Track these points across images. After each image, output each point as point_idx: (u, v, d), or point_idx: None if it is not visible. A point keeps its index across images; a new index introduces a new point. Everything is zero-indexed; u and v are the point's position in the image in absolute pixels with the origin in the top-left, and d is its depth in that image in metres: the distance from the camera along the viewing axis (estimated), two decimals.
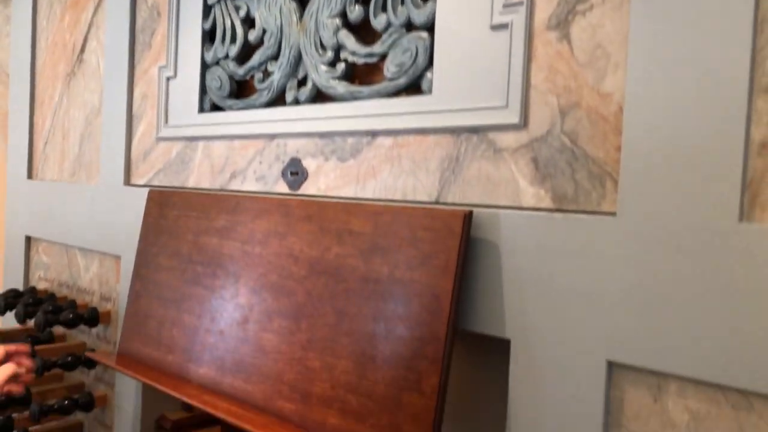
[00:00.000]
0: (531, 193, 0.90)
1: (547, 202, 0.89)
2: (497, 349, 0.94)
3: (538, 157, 0.89)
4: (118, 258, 1.63)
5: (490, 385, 1.08)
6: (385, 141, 1.07)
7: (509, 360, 0.89)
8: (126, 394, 1.57)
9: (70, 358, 1.62)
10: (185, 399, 1.15)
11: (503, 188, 0.93)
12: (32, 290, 1.89)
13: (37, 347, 1.66)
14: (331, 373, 1.01)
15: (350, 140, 1.13)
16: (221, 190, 1.38)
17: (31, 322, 1.77)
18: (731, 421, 0.71)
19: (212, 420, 1.60)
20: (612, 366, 0.80)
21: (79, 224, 1.75)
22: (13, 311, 1.71)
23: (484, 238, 0.92)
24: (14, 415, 1.64)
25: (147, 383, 1.25)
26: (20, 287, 2.00)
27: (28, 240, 2.01)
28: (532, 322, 0.86)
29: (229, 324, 1.20)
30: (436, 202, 1.01)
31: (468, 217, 0.91)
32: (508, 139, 0.92)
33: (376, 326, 0.97)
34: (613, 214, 0.81)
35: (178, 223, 1.37)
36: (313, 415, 1.02)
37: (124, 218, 1.58)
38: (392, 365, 0.94)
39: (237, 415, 1.07)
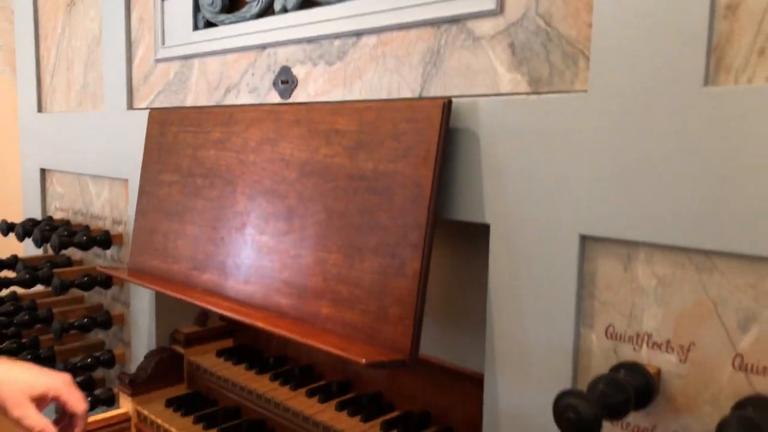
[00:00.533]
0: (508, 79, 0.91)
1: (523, 86, 0.89)
2: (480, 236, 0.97)
3: (514, 42, 0.90)
4: (125, 181, 1.67)
5: (472, 270, 1.12)
6: (370, 40, 1.08)
7: (489, 245, 0.92)
8: (141, 312, 1.65)
9: (86, 278, 1.69)
10: (191, 301, 1.20)
11: (482, 77, 0.94)
12: (49, 219, 1.96)
13: (56, 270, 1.73)
14: (323, 267, 1.05)
15: (336, 43, 1.14)
16: (217, 105, 1.40)
17: (49, 248, 1.84)
18: (695, 283, 0.74)
19: (224, 332, 1.67)
20: (585, 240, 0.82)
21: (89, 152, 1.80)
22: (31, 237, 1.78)
23: (465, 128, 0.93)
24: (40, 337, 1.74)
25: (156, 290, 1.31)
26: (38, 218, 2.08)
27: (43, 172, 2.07)
28: (509, 206, 0.89)
29: (229, 231, 1.24)
30: (420, 97, 1.02)
31: (447, 107, 0.92)
32: (485, 27, 0.93)
33: (362, 219, 1.01)
34: (584, 91, 0.82)
35: (178, 140, 1.40)
36: (307, 307, 1.07)
37: (129, 142, 1.62)
38: (378, 254, 0.98)
39: (239, 312, 1.13)
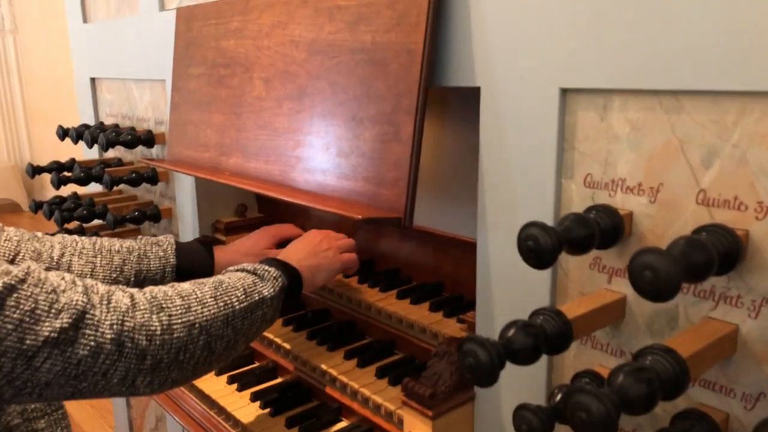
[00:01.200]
0: None
1: None
2: (473, 101, 1.00)
3: None
4: (163, 82, 1.76)
5: (466, 134, 1.15)
6: None
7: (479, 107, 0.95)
8: (185, 204, 1.78)
9: (134, 175, 1.83)
10: (219, 181, 1.30)
11: None
12: (100, 124, 2.10)
13: (107, 169, 1.88)
14: (329, 141, 1.12)
15: None
16: None
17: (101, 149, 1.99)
18: (664, 124, 0.75)
19: (261, 222, 1.79)
20: (565, 93, 0.84)
21: (130, 57, 1.90)
22: (83, 139, 1.92)
23: None
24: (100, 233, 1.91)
25: (189, 174, 1.42)
26: (91, 124, 2.22)
27: (93, 81, 2.19)
28: (497, 66, 0.91)
29: (249, 115, 1.31)
30: None
31: None
32: None
33: (362, 91, 1.05)
34: None
35: (202, 33, 1.46)
36: (317, 179, 1.14)
37: (163, 43, 1.69)
38: (376, 123, 1.03)
39: (260, 186, 1.21)
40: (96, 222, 1.91)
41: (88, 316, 0.83)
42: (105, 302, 0.86)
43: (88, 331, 0.83)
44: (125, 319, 0.86)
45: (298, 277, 1.13)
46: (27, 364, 0.78)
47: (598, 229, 0.76)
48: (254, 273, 1.06)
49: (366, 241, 1.50)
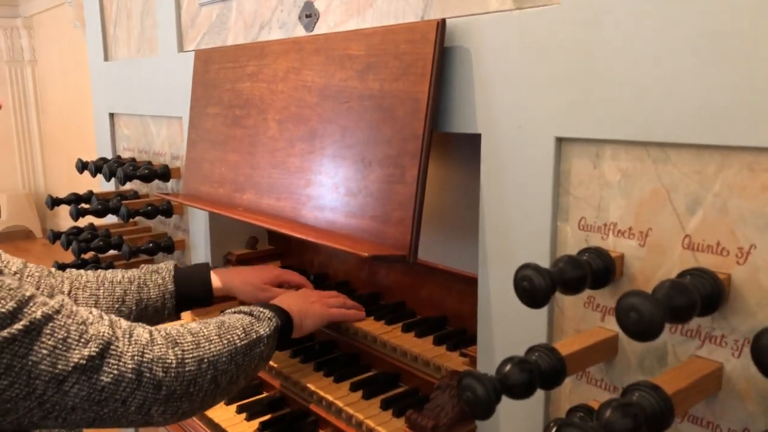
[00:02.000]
0: None
1: (508, 4, 0.96)
2: (475, 146, 1.06)
3: None
4: (180, 119, 1.84)
5: (466, 179, 1.21)
6: None
7: (480, 152, 1.01)
8: (198, 236, 1.84)
9: (149, 208, 1.89)
10: (232, 216, 1.36)
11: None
12: (118, 157, 2.17)
13: (124, 202, 1.94)
14: (339, 181, 1.18)
15: None
16: (251, 42, 1.52)
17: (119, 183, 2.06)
18: (651, 173, 0.81)
19: (272, 255, 1.84)
20: (561, 141, 0.90)
21: (148, 95, 1.98)
22: (101, 172, 1.99)
23: (459, 46, 1.02)
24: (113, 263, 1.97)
25: (204, 209, 1.48)
26: (109, 157, 2.30)
27: (112, 116, 2.28)
28: (497, 114, 0.97)
29: (263, 154, 1.38)
30: (418, 21, 1.10)
31: (441, 26, 1.01)
32: None
33: (370, 135, 1.12)
34: (558, 4, 0.88)
35: (219, 75, 1.54)
36: (326, 217, 1.20)
37: (181, 82, 1.77)
38: (383, 165, 1.09)
39: (272, 223, 1.27)
40: (111, 252, 1.98)
41: (112, 347, 0.89)
42: (127, 335, 0.93)
43: (112, 361, 0.89)
44: (145, 351, 0.92)
45: (290, 320, 1.20)
46: (57, 387, 0.84)
47: (590, 271, 0.81)
48: (251, 314, 1.14)
49: (372, 274, 1.55)
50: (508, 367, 0.75)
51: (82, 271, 1.35)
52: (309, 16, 1.34)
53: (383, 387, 1.27)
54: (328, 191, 1.20)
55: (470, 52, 1.00)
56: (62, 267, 1.98)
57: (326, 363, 1.37)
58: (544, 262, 0.93)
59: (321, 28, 1.32)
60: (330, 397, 1.25)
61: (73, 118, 6.62)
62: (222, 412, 1.37)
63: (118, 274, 1.35)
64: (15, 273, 1.21)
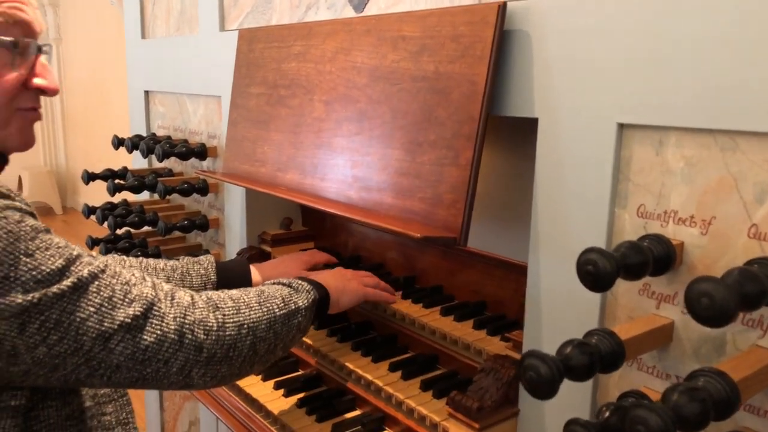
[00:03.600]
0: None
1: None
2: (528, 132, 1.06)
3: None
4: (218, 99, 1.85)
5: (524, 167, 1.21)
6: None
7: (536, 138, 1.01)
8: (233, 216, 1.85)
9: (186, 185, 1.91)
10: (276, 194, 1.37)
11: None
12: (153, 135, 2.19)
13: (161, 179, 1.96)
14: (388, 162, 1.18)
15: None
16: (298, 22, 1.53)
17: (153, 162, 2.08)
18: (718, 161, 0.80)
19: (306, 236, 1.85)
20: (622, 127, 0.90)
21: (186, 73, 1.99)
22: (138, 149, 2.01)
23: (519, 29, 1.01)
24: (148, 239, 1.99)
25: (246, 187, 1.49)
26: (144, 135, 2.31)
27: (147, 93, 2.29)
28: (556, 100, 0.97)
29: (308, 135, 1.39)
30: (478, 3, 1.10)
31: (502, 9, 1.00)
32: None
33: (423, 117, 1.12)
34: None
35: (263, 55, 1.55)
36: (373, 197, 1.20)
37: (221, 62, 1.78)
38: (436, 147, 1.09)
39: (315, 202, 1.28)
40: (145, 228, 2.00)
41: (155, 307, 0.91)
42: (169, 297, 0.94)
43: (155, 321, 0.90)
44: (186, 313, 0.94)
45: (327, 295, 1.21)
46: (103, 345, 0.86)
47: (652, 257, 0.81)
48: (290, 286, 1.15)
49: (407, 258, 1.56)
50: (569, 349, 0.76)
51: (123, 256, 1.38)
52: None
53: (422, 368, 1.28)
54: (376, 172, 1.21)
55: (530, 36, 1.00)
56: (96, 242, 2.01)
57: (363, 343, 1.39)
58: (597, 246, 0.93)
59: (371, 10, 1.32)
60: (369, 376, 1.26)
61: (97, 96, 6.66)
62: (260, 388, 1.39)
63: (160, 262, 1.37)
64: None
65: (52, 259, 0.83)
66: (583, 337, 0.80)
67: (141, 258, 1.38)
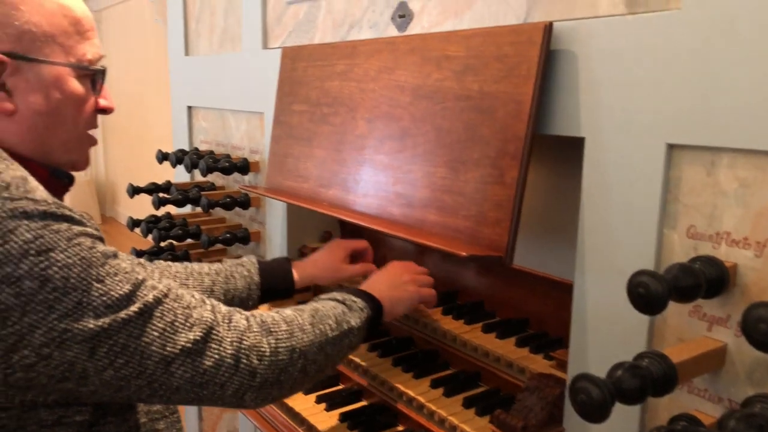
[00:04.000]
0: (607, 2, 0.98)
1: (620, 8, 0.96)
2: (573, 150, 1.06)
3: None
4: (261, 115, 1.89)
5: (567, 185, 1.20)
6: None
7: (582, 157, 1.01)
8: (274, 229, 1.88)
9: (228, 199, 1.95)
10: (319, 210, 1.39)
11: (582, 1, 1.01)
12: (196, 150, 2.24)
13: (204, 193, 2.00)
14: (431, 180, 1.19)
15: None
16: (341, 41, 1.55)
17: (199, 175, 2.13)
18: None
19: None
20: (672, 148, 0.89)
21: (229, 90, 2.03)
22: (182, 164, 2.06)
23: (565, 49, 1.02)
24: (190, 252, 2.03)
25: (289, 202, 1.52)
26: (186, 149, 2.37)
27: (190, 109, 2.35)
28: (603, 119, 0.97)
29: (350, 152, 1.41)
30: (523, 23, 1.11)
31: (548, 29, 1.01)
32: None
33: (466, 135, 1.13)
34: (678, 9, 0.87)
35: (307, 73, 1.58)
36: (416, 214, 1.21)
37: (264, 79, 1.82)
38: (480, 165, 1.10)
39: (358, 218, 1.30)
40: (188, 241, 2.04)
41: (214, 332, 0.93)
42: (227, 321, 0.96)
43: (213, 345, 0.92)
44: (243, 338, 0.96)
45: (380, 308, 1.21)
46: (165, 368, 0.88)
47: (704, 279, 0.80)
48: (343, 303, 1.16)
49: (447, 273, 1.56)
50: (620, 372, 0.75)
51: (169, 262, 1.40)
52: (402, 16, 1.36)
53: (464, 385, 1.28)
54: (419, 189, 1.22)
55: (576, 56, 1.00)
56: (140, 254, 2.06)
57: (404, 359, 1.39)
58: (648, 268, 0.92)
59: (414, 29, 1.34)
60: (411, 393, 1.27)
61: (137, 109, 6.83)
62: (302, 402, 1.41)
63: (204, 266, 1.39)
64: None
65: (120, 284, 0.86)
66: (633, 360, 0.80)
67: (185, 263, 1.40)
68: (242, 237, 1.97)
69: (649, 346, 0.95)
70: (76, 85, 0.99)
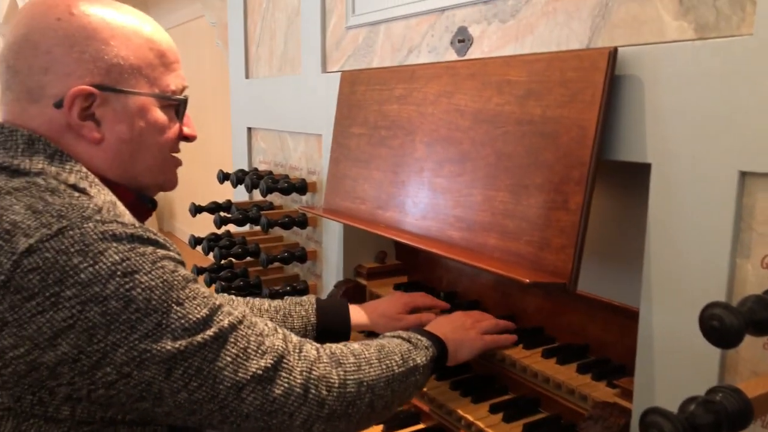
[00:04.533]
0: (674, 27, 0.97)
1: (689, 34, 0.95)
2: (636, 179, 1.04)
3: None
4: (319, 136, 1.93)
5: (629, 210, 1.18)
6: None
7: (648, 183, 0.99)
8: (331, 249, 1.91)
9: (287, 219, 1.99)
10: (376, 232, 1.41)
11: (648, 26, 1.00)
12: (255, 170, 2.30)
13: (263, 212, 2.05)
14: (491, 204, 1.19)
15: (510, 2, 1.24)
16: (399, 65, 1.58)
17: (257, 194, 2.18)
18: None
19: (400, 270, 1.88)
20: (744, 175, 0.87)
21: (287, 112, 2.09)
22: (243, 184, 2.12)
23: (630, 74, 1.01)
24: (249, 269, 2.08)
25: (347, 224, 1.54)
26: (246, 169, 2.43)
27: (249, 130, 2.41)
28: (671, 145, 0.95)
29: (408, 174, 1.42)
30: (587, 48, 1.10)
31: (612, 54, 1.00)
32: None
33: (528, 160, 1.12)
34: (750, 35, 0.86)
35: (365, 97, 1.60)
36: (476, 239, 1.21)
37: (322, 102, 1.86)
38: (543, 191, 1.09)
39: (417, 241, 1.31)
40: (247, 259, 2.09)
41: (285, 360, 0.95)
42: (297, 350, 0.98)
43: (283, 374, 0.94)
44: (312, 368, 0.97)
45: (445, 349, 1.21)
46: (236, 394, 0.90)
47: None
48: (409, 341, 1.17)
49: (505, 296, 1.55)
50: (693, 407, 0.74)
51: (233, 296, 1.44)
52: (462, 41, 1.37)
53: (523, 411, 1.27)
54: (479, 213, 1.22)
55: (642, 81, 0.99)
56: (200, 271, 2.13)
57: (462, 382, 1.39)
58: (720, 298, 0.90)
59: (474, 53, 1.35)
60: (471, 417, 1.26)
61: (195, 128, 7.03)
62: None
63: (265, 302, 1.42)
64: None
65: (198, 308, 0.89)
66: (706, 394, 0.78)
67: (247, 298, 1.44)
68: (299, 256, 2.00)
69: (721, 378, 0.92)
70: (159, 115, 1.04)
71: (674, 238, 0.96)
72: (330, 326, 1.43)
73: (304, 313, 1.42)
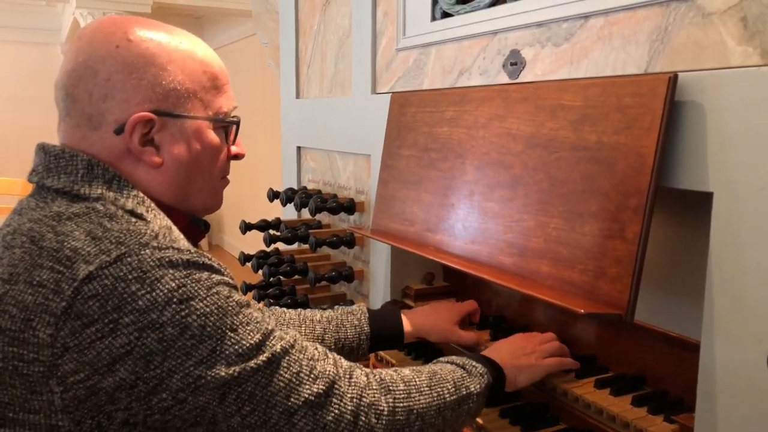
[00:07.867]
0: (739, 52, 0.93)
1: (755, 59, 0.92)
2: (697, 207, 1.01)
3: (747, 16, 0.92)
4: (368, 157, 1.94)
5: (688, 238, 1.14)
6: (597, 21, 1.16)
7: (710, 212, 0.96)
8: (378, 269, 1.91)
9: (335, 238, 2.00)
10: (425, 255, 1.40)
11: (710, 51, 0.97)
12: (304, 188, 2.33)
13: (311, 230, 2.07)
14: (544, 230, 1.17)
15: (564, 25, 1.23)
16: (450, 87, 1.57)
17: (305, 212, 2.21)
18: None
19: (448, 292, 1.87)
20: None
21: (337, 132, 2.11)
22: (292, 203, 2.14)
23: (691, 101, 0.98)
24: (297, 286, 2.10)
25: (395, 245, 1.54)
26: (295, 188, 2.46)
27: (299, 149, 2.45)
28: (735, 174, 0.92)
29: (458, 198, 1.41)
30: (645, 73, 1.08)
31: (672, 80, 0.98)
32: (716, 3, 0.96)
33: (583, 187, 1.10)
34: None
35: (415, 119, 1.61)
36: (528, 265, 1.19)
37: (372, 122, 1.87)
38: (598, 218, 1.07)
39: (466, 266, 1.29)
40: (295, 277, 2.11)
41: (336, 386, 0.95)
42: (347, 376, 0.98)
43: (334, 400, 0.94)
44: (363, 394, 0.97)
45: (502, 375, 1.19)
46: (288, 419, 0.90)
47: None
48: (463, 367, 1.15)
49: (557, 322, 1.52)
50: None
51: (284, 309, 1.46)
52: (514, 64, 1.36)
53: None
54: (531, 240, 1.20)
55: (704, 108, 0.96)
56: (249, 288, 2.16)
57: (512, 411, 1.36)
58: None
59: (526, 77, 1.33)
60: None
61: (245, 145, 7.19)
62: None
63: (317, 314, 1.43)
64: None
65: (251, 334, 0.90)
66: None
67: (299, 309, 1.45)
68: (347, 275, 2.01)
69: None
70: (213, 136, 1.06)
71: (738, 271, 0.92)
72: (383, 335, 1.43)
73: (356, 322, 1.41)
